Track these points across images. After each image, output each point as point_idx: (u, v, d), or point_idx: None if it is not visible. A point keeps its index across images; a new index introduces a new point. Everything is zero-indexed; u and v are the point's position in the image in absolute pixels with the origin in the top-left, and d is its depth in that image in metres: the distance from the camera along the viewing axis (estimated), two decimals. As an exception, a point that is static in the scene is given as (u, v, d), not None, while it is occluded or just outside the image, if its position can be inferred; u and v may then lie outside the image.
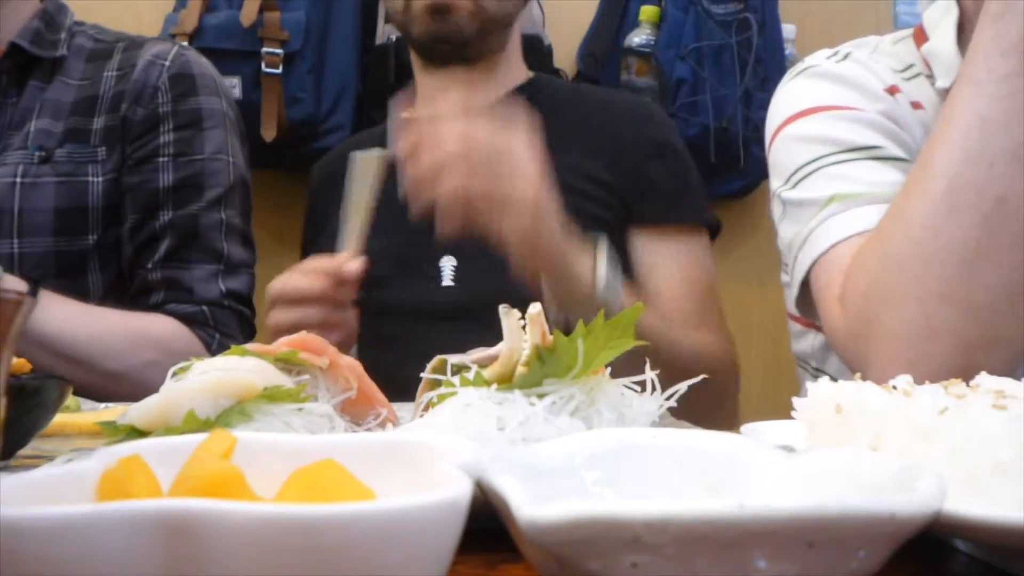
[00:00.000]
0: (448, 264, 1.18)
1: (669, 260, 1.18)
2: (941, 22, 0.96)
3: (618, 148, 1.20)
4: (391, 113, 1.28)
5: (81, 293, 1.18)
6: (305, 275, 0.97)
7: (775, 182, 0.98)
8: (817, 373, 1.06)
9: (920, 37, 0.99)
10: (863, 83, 0.95)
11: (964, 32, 0.91)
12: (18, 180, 1.19)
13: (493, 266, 1.15)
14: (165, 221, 1.23)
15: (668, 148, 1.22)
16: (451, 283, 1.18)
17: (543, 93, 1.26)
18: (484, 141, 0.85)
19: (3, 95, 1.24)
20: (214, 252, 1.25)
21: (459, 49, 1.19)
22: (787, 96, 1.00)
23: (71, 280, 1.19)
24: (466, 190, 0.84)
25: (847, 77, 0.96)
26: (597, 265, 0.93)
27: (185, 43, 1.34)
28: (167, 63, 1.28)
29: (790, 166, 0.94)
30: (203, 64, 1.33)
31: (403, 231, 1.17)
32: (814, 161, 0.91)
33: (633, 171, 1.19)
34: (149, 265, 1.23)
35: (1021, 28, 0.74)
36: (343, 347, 0.92)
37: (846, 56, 0.99)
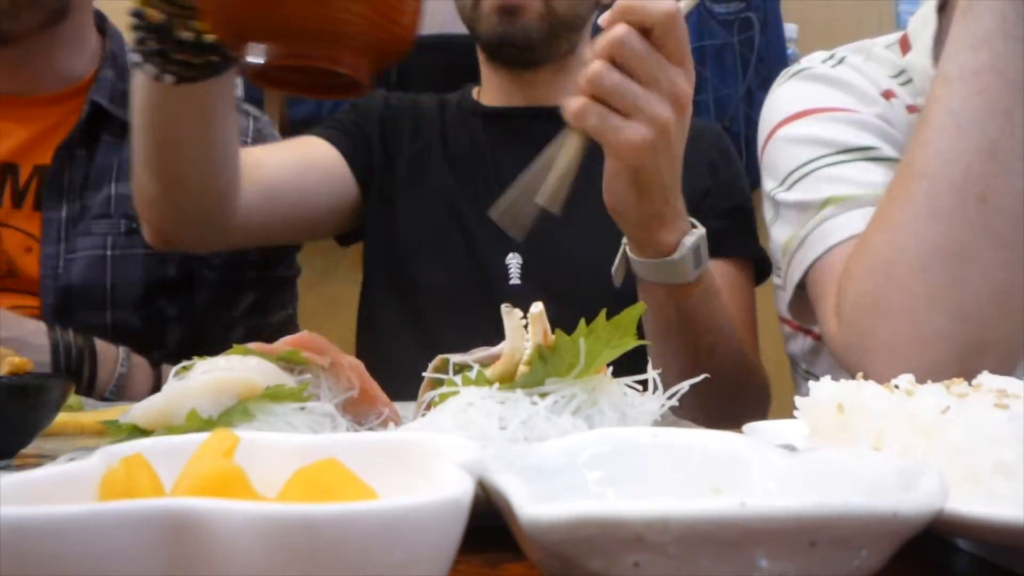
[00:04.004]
0: (515, 262, 1.14)
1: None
2: (921, 34, 0.95)
3: (686, 178, 1.13)
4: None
5: (157, 351, 1.20)
6: None
7: (768, 183, 0.97)
8: (807, 375, 1.05)
9: (905, 46, 0.99)
10: (858, 86, 0.94)
11: (940, 46, 0.90)
12: (108, 253, 1.19)
13: (562, 264, 1.12)
14: (251, 278, 1.28)
15: (735, 182, 1.18)
16: (518, 281, 1.13)
17: None
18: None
19: (72, 147, 1.21)
20: (291, 301, 1.33)
21: (525, 52, 1.15)
22: (781, 98, 0.99)
23: (151, 342, 1.20)
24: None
25: (842, 80, 0.95)
26: (691, 234, 0.86)
27: (256, 111, 1.34)
28: (248, 140, 1.28)
29: (785, 168, 0.93)
30: (274, 132, 1.34)
31: (468, 227, 1.15)
32: (809, 163, 0.90)
33: (700, 204, 1.11)
34: (236, 314, 1.27)
35: (988, 22, 0.72)
36: None
37: (841, 60, 0.99)
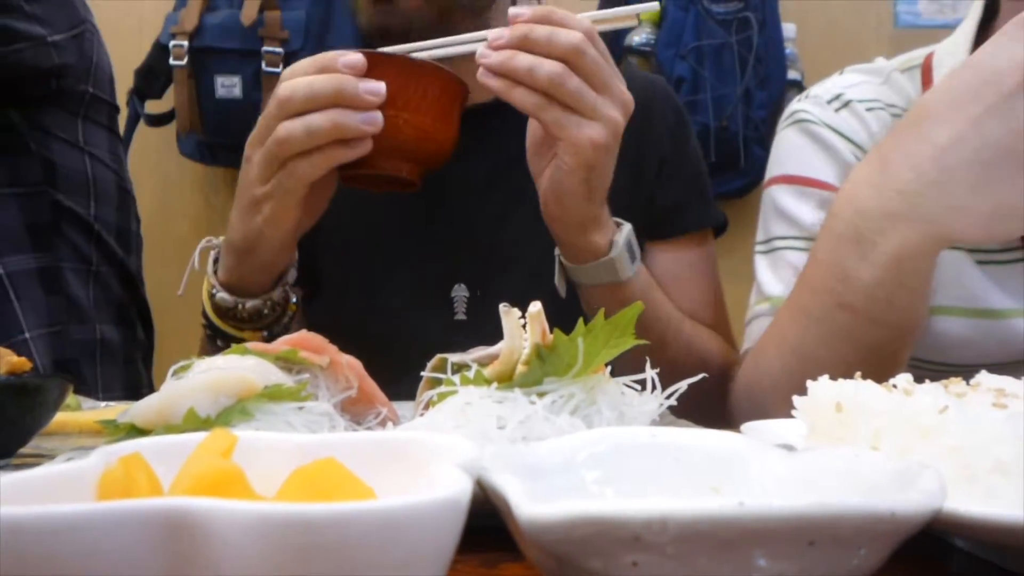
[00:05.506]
0: (460, 295, 1.04)
1: (679, 269, 1.09)
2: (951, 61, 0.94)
3: (641, 148, 1.06)
4: None
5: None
6: (314, 70, 0.80)
7: (759, 232, 1.03)
8: None
9: (927, 77, 0.97)
10: (845, 157, 0.96)
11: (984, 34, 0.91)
12: None
13: (509, 296, 1.02)
14: None
15: (688, 147, 1.13)
16: (463, 317, 1.04)
17: None
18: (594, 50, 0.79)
19: None
20: None
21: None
22: (780, 148, 1.03)
23: None
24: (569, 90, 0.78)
25: (833, 146, 0.97)
26: (620, 231, 0.88)
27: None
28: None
29: (767, 230, 1.01)
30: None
31: (410, 256, 1.06)
32: (781, 239, 0.99)
33: (656, 177, 1.08)
34: None
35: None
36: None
37: (846, 104, 0.98)
